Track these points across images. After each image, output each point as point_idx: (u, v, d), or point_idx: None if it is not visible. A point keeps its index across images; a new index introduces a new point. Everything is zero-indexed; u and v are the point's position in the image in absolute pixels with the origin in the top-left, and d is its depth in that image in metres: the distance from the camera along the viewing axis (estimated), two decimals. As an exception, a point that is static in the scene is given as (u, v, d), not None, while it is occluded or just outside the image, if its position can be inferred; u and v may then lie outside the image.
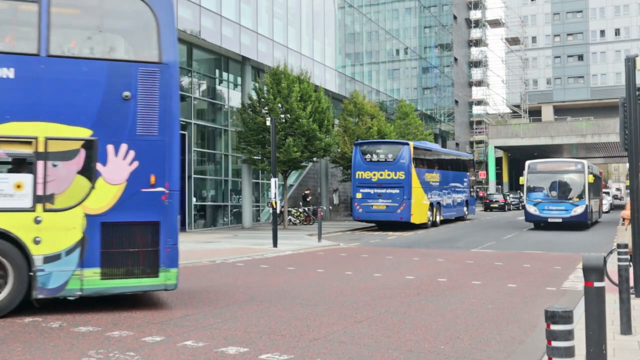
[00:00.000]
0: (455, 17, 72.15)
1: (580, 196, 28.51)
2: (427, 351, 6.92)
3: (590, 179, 28.35)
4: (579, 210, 28.26)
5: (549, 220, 28.71)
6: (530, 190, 29.51)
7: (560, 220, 28.42)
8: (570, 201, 28.54)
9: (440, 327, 8.14)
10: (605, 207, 49.47)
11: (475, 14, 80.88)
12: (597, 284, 5.40)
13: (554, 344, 4.27)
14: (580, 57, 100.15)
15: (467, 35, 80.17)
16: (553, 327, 4.28)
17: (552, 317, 4.29)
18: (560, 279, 13.22)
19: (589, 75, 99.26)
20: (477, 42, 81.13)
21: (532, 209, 29.06)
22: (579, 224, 28.72)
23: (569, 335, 4.26)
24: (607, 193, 56.89)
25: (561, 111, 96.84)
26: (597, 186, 35.21)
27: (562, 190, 29.06)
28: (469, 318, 8.73)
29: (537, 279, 13.22)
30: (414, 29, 59.63)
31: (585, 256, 5.58)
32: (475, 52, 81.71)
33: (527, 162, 30.18)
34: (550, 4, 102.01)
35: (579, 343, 5.45)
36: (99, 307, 9.40)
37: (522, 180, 29.95)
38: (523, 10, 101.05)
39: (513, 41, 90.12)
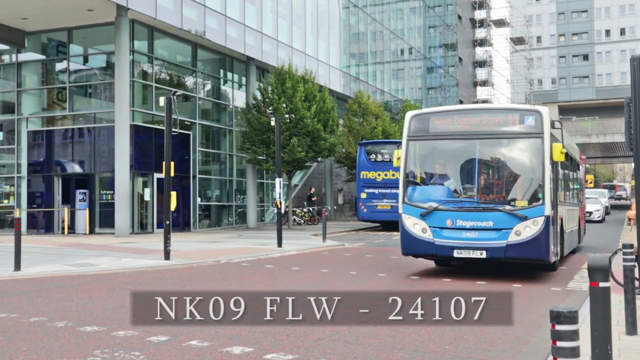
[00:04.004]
0: (459, 17, 72.05)
1: (533, 195, 12.55)
2: (432, 351, 6.92)
3: (557, 153, 12.67)
4: (527, 230, 12.23)
5: (456, 254, 12.67)
6: (413, 181, 13.65)
7: (483, 254, 12.46)
8: (508, 208, 12.50)
9: (445, 327, 8.13)
10: (597, 215, 35.93)
11: (479, 14, 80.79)
12: (602, 284, 5.39)
13: (559, 344, 4.27)
14: (586, 57, 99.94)
15: (472, 35, 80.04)
16: (558, 327, 4.27)
17: (557, 317, 4.28)
18: (565, 279, 13.19)
19: (594, 75, 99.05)
20: (482, 42, 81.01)
21: (416, 227, 13.01)
22: (527, 262, 13.24)
23: (574, 335, 4.25)
24: (606, 192, 47.32)
25: (566, 111, 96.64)
26: (574, 173, 18.69)
27: (489, 181, 13.38)
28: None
29: (542, 278, 13.20)
30: (419, 28, 59.61)
31: (590, 256, 5.57)
32: (480, 52, 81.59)
33: (410, 114, 14.02)
34: (555, 4, 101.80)
35: (584, 343, 5.44)
36: (104, 307, 9.43)
37: (397, 157, 13.65)
38: (528, 10, 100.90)
39: (518, 41, 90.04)
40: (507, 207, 12.51)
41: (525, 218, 12.27)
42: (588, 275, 5.47)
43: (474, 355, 6.78)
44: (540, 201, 12.34)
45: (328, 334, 7.65)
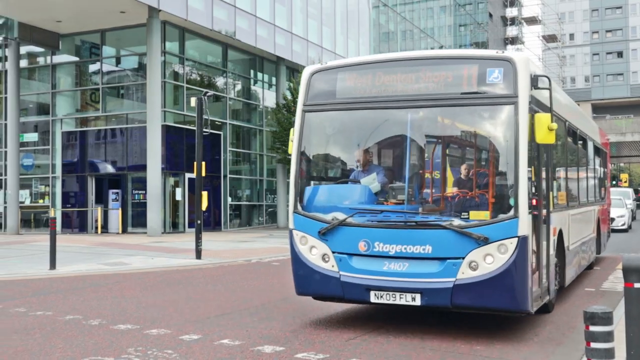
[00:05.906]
0: (490, 15, 71.48)
1: (499, 202, 7.31)
2: (464, 351, 6.88)
3: (542, 130, 7.20)
4: (489, 260, 7.04)
5: (373, 297, 7.53)
6: (311, 177, 8.68)
7: (416, 299, 7.31)
8: (458, 224, 7.20)
9: (476, 327, 8.08)
10: (620, 222, 28.13)
11: (511, 12, 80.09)
12: (637, 285, 5.30)
13: (593, 345, 4.23)
14: (620, 54, 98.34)
15: (503, 33, 79.37)
16: (592, 328, 4.23)
17: (591, 318, 4.24)
18: (599, 279, 13.00)
19: (629, 73, 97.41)
20: (514, 40, 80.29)
21: (313, 253, 7.85)
22: (490, 313, 7.75)
23: (608, 336, 4.21)
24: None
25: (600, 109, 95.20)
26: (588, 159, 13.64)
27: (428, 177, 8.10)
28: (505, 318, 8.65)
29: (576, 279, 13.02)
30: (449, 27, 59.28)
31: (625, 257, 5.49)
32: (512, 50, 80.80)
33: (309, 70, 8.43)
34: (589, 1, 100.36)
35: (619, 345, 5.36)
36: (137, 306, 9.55)
37: (292, 139, 8.30)
38: (560, 7, 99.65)
39: (550, 38, 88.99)
40: (456, 222, 7.30)
41: (485, 240, 7.08)
42: (623, 276, 5.39)
43: (506, 356, 6.72)
44: (512, 212, 7.12)
45: (359, 334, 7.65)
